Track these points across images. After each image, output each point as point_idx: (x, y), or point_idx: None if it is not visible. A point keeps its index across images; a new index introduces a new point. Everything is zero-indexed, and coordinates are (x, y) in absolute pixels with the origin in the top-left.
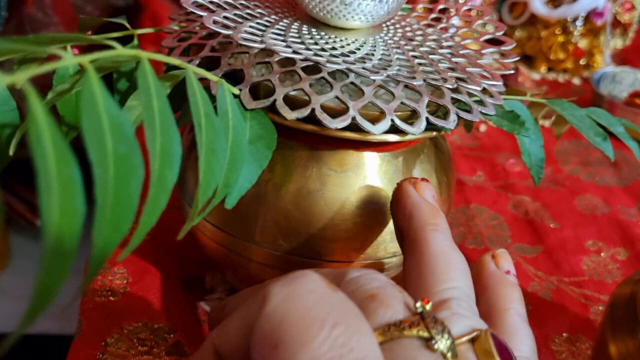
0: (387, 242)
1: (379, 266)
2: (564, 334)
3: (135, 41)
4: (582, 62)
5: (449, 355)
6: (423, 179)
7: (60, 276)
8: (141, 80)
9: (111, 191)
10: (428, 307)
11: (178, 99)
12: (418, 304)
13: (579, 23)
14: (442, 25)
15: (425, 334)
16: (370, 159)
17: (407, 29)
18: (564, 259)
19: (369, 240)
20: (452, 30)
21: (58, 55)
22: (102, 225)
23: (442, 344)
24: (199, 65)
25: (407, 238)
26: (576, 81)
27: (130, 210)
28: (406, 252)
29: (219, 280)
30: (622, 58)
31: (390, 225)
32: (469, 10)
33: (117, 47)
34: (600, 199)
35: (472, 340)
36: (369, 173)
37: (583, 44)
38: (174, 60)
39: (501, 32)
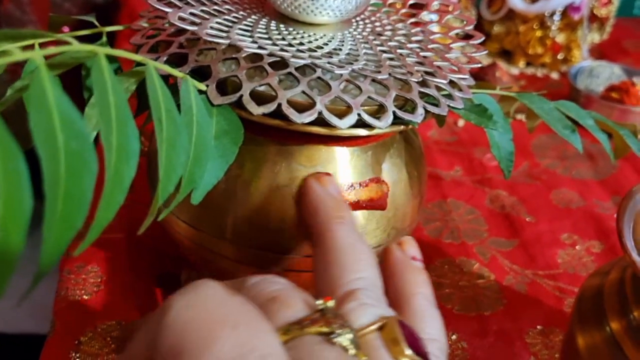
0: None
1: None
2: (538, 327)
3: (104, 38)
4: (560, 56)
5: (350, 347)
6: (327, 174)
7: (6, 271)
8: (96, 76)
9: (62, 187)
10: (330, 303)
11: (145, 97)
12: (319, 302)
13: (556, 18)
14: (412, 20)
15: (326, 330)
16: (340, 153)
17: (377, 24)
18: (539, 252)
19: None
20: (421, 26)
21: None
22: (52, 221)
23: (342, 337)
24: (166, 62)
25: (314, 233)
26: (554, 75)
27: (82, 206)
28: (314, 247)
29: (194, 277)
30: (599, 52)
31: (361, 219)
32: (441, 5)
33: (72, 43)
34: (576, 192)
35: (380, 329)
36: (339, 168)
37: (561, 38)
38: (135, 57)
39: (470, 27)
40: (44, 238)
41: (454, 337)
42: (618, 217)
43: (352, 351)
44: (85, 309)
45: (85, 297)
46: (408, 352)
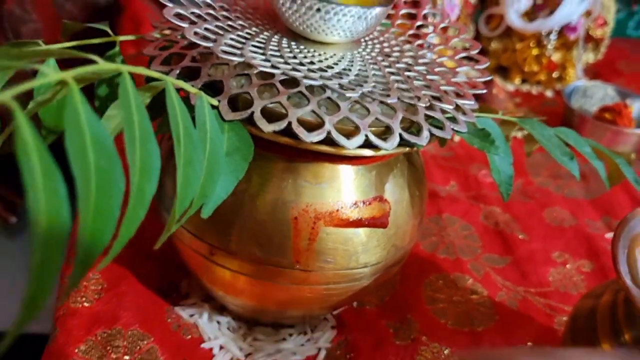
0: (358, 254)
1: (350, 276)
2: (528, 343)
3: (117, 48)
4: (555, 75)
5: None
6: None
7: (47, 286)
8: (122, 96)
9: (93, 204)
10: None
11: (157, 107)
12: None
13: (552, 37)
14: (419, 42)
15: None
16: (345, 171)
17: (385, 44)
18: (532, 270)
19: (341, 251)
20: (428, 48)
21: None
22: (84, 236)
23: None
24: (179, 75)
25: None
26: (549, 93)
27: (111, 222)
28: None
29: (195, 286)
30: (594, 72)
31: (363, 237)
32: (446, 27)
33: (99, 62)
34: (568, 211)
35: None
36: (343, 185)
37: (556, 57)
38: (154, 74)
39: (476, 51)
40: (77, 252)
41: (446, 351)
42: (613, 243)
43: None
44: (85, 316)
45: (86, 304)
46: None
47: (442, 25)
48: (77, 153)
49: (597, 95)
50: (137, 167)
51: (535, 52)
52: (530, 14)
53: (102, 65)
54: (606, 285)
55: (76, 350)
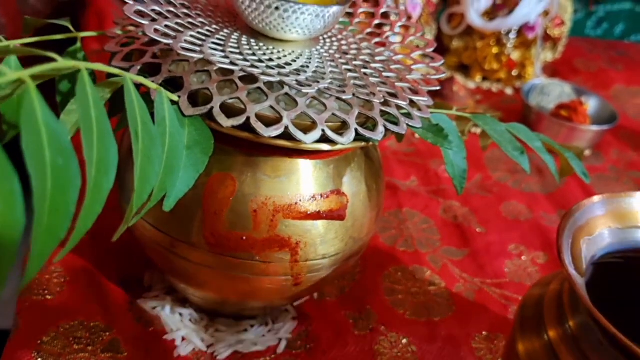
0: (317, 245)
1: (310, 267)
2: (484, 333)
3: (79, 44)
4: (514, 73)
5: None
6: None
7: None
8: (80, 93)
9: (48, 201)
10: None
11: (118, 103)
12: None
13: (512, 36)
14: (377, 40)
15: None
16: (303, 165)
17: (343, 42)
18: (488, 262)
19: (301, 243)
20: (385, 46)
21: None
22: (39, 233)
23: None
24: (140, 71)
25: None
26: (509, 91)
27: (66, 218)
28: None
29: (157, 279)
30: (552, 70)
31: (321, 229)
32: (404, 26)
33: (57, 60)
34: (524, 205)
35: None
36: (302, 179)
37: (516, 55)
38: (113, 70)
39: (431, 49)
40: (32, 248)
41: (404, 341)
42: (558, 234)
43: None
44: (48, 309)
45: (48, 297)
46: None
47: (399, 23)
48: (34, 151)
49: (555, 92)
50: (95, 162)
51: (495, 50)
52: (490, 14)
53: (61, 63)
54: (554, 275)
55: (39, 342)
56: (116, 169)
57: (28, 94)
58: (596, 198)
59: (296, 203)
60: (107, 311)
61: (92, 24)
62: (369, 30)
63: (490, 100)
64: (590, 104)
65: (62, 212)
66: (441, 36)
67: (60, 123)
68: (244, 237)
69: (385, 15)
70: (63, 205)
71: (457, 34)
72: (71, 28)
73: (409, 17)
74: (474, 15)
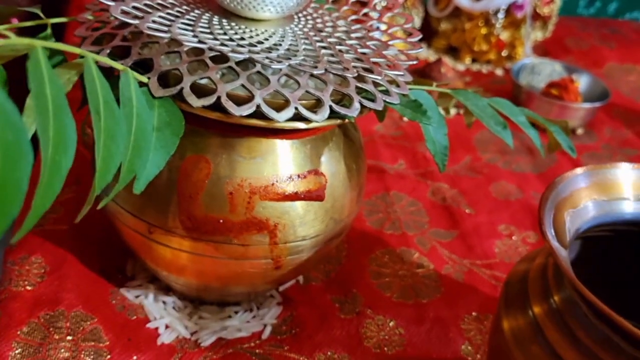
0: (296, 227)
1: (291, 249)
2: (473, 313)
3: (49, 30)
4: (504, 53)
5: None
6: None
7: None
8: (32, 68)
9: None
10: None
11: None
12: None
13: (500, 16)
14: (353, 17)
15: None
16: (279, 146)
17: (319, 20)
18: (477, 242)
19: (279, 225)
20: (363, 25)
21: None
22: None
23: None
24: (110, 54)
25: None
26: (499, 72)
27: (18, 195)
28: None
29: (140, 268)
30: (543, 49)
31: (299, 210)
32: (385, 6)
33: (10, 36)
34: (514, 185)
35: None
36: (279, 159)
37: (505, 36)
38: (74, 49)
39: (409, 25)
40: None
41: (391, 323)
42: (540, 207)
43: None
44: (28, 299)
45: (28, 287)
46: None
47: (376, 0)
48: None
49: (545, 71)
50: (50, 139)
51: (483, 31)
52: None
53: (14, 40)
54: (539, 250)
55: (18, 332)
56: (75, 147)
57: None
58: (580, 170)
59: (273, 184)
60: (89, 300)
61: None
62: (345, 7)
63: (480, 81)
64: (582, 82)
65: (13, 188)
66: (429, 19)
67: (10, 99)
68: (221, 220)
69: None
70: (14, 181)
71: (445, 16)
72: (41, 14)
73: None
74: None
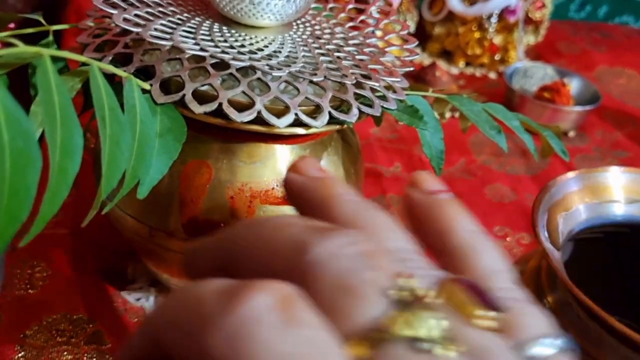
0: None
1: None
2: None
3: (51, 37)
4: (497, 57)
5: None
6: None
7: None
8: (41, 77)
9: (7, 183)
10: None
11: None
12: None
13: (493, 20)
14: (351, 24)
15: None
16: (279, 151)
17: (317, 27)
18: None
19: None
20: (360, 31)
21: None
22: None
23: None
24: (112, 61)
25: None
26: (492, 75)
27: (27, 201)
28: None
29: (140, 271)
30: (535, 53)
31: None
32: (381, 11)
33: (18, 45)
34: (509, 187)
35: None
36: (278, 164)
37: (498, 40)
38: (79, 57)
39: (405, 32)
40: None
41: None
42: (533, 209)
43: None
44: (31, 303)
45: (30, 291)
46: (479, 312)
47: (372, 7)
48: None
49: (537, 75)
50: (58, 146)
51: (477, 35)
52: None
53: (22, 48)
54: (533, 252)
55: (21, 336)
56: (81, 152)
57: None
58: (571, 174)
59: (273, 188)
60: (90, 304)
61: (71, 22)
62: (342, 15)
63: (473, 85)
64: (573, 85)
65: (21, 193)
66: (423, 23)
67: (20, 107)
68: (222, 224)
69: (361, 0)
70: (23, 187)
71: (439, 20)
72: (42, 21)
73: (389, 4)
74: (455, 1)
